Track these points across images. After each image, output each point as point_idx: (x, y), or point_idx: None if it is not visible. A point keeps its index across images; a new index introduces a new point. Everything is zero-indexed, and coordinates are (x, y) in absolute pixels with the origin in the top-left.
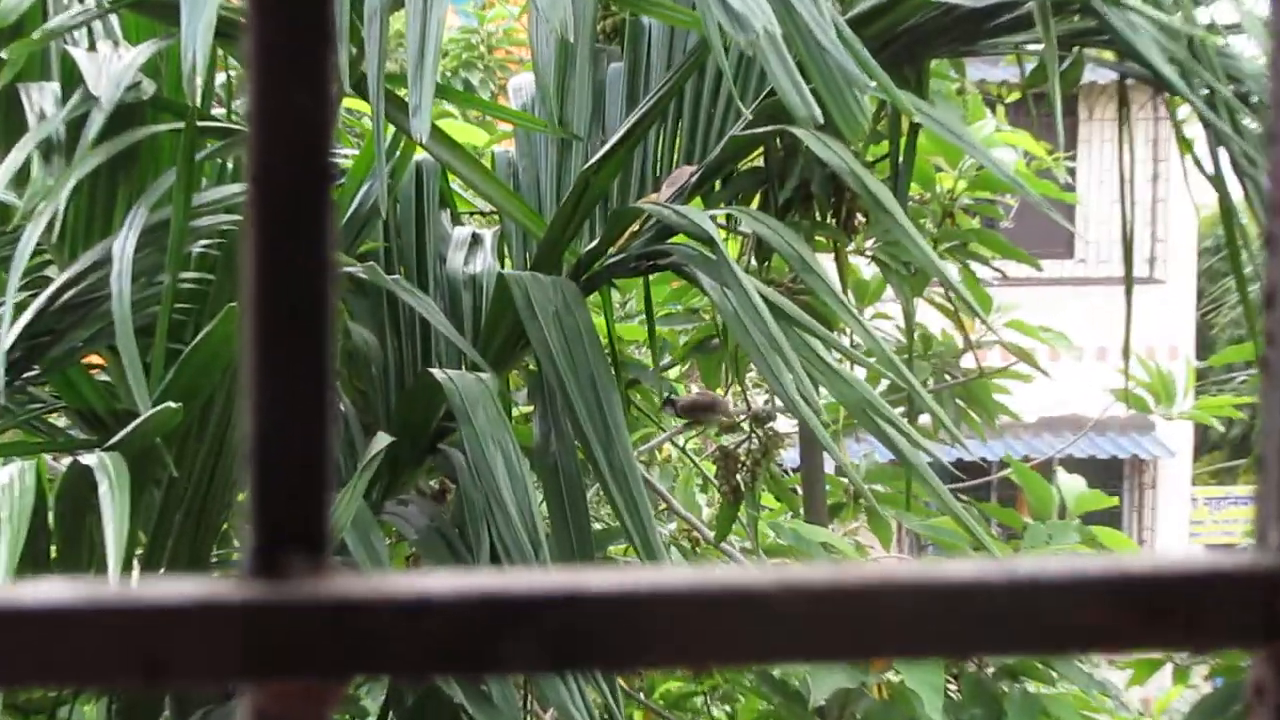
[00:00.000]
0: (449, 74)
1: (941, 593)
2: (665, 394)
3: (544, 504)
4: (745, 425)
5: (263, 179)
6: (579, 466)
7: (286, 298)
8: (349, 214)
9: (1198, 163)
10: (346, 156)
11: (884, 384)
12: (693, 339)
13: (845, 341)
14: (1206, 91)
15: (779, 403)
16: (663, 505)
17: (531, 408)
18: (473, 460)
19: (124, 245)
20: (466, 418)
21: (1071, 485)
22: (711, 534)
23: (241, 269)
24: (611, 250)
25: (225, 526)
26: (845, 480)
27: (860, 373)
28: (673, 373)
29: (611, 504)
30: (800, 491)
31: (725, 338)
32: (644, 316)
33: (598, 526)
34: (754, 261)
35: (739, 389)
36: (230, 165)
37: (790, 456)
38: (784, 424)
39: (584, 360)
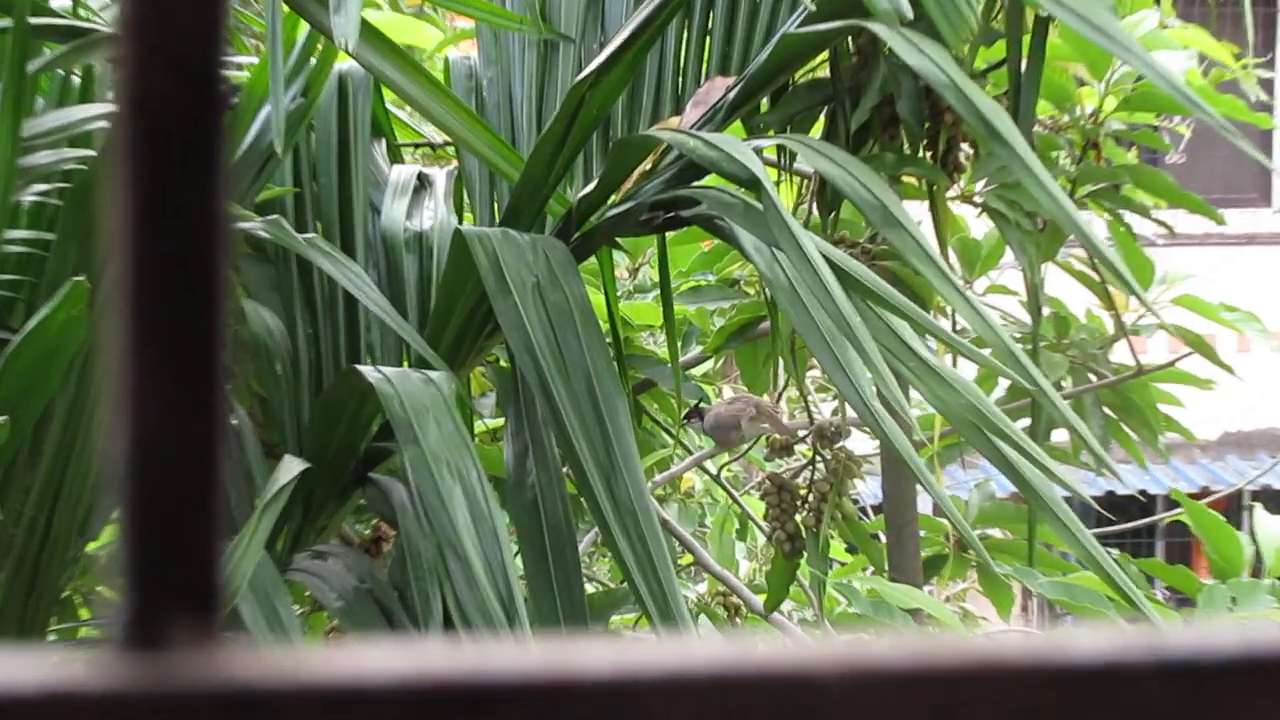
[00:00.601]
0: None
1: (1069, 680)
2: (693, 402)
3: (519, 555)
4: (805, 445)
5: (138, 104)
6: (569, 503)
7: (169, 266)
8: (243, 149)
9: None
10: (241, 68)
11: (1001, 387)
12: (731, 323)
13: (945, 326)
14: None
15: (852, 413)
16: (687, 558)
17: (502, 421)
18: (419, 495)
19: None
20: (411, 435)
21: (1271, 530)
22: (759, 600)
23: (100, 227)
24: (615, 198)
25: (69, 589)
26: (946, 522)
27: (968, 370)
28: (701, 370)
29: (615, 555)
30: (884, 539)
31: (776, 320)
32: (660, 291)
33: (593, 589)
34: (816, 212)
35: (796, 394)
36: (78, 79)
37: (869, 489)
38: (860, 443)
39: (576, 353)
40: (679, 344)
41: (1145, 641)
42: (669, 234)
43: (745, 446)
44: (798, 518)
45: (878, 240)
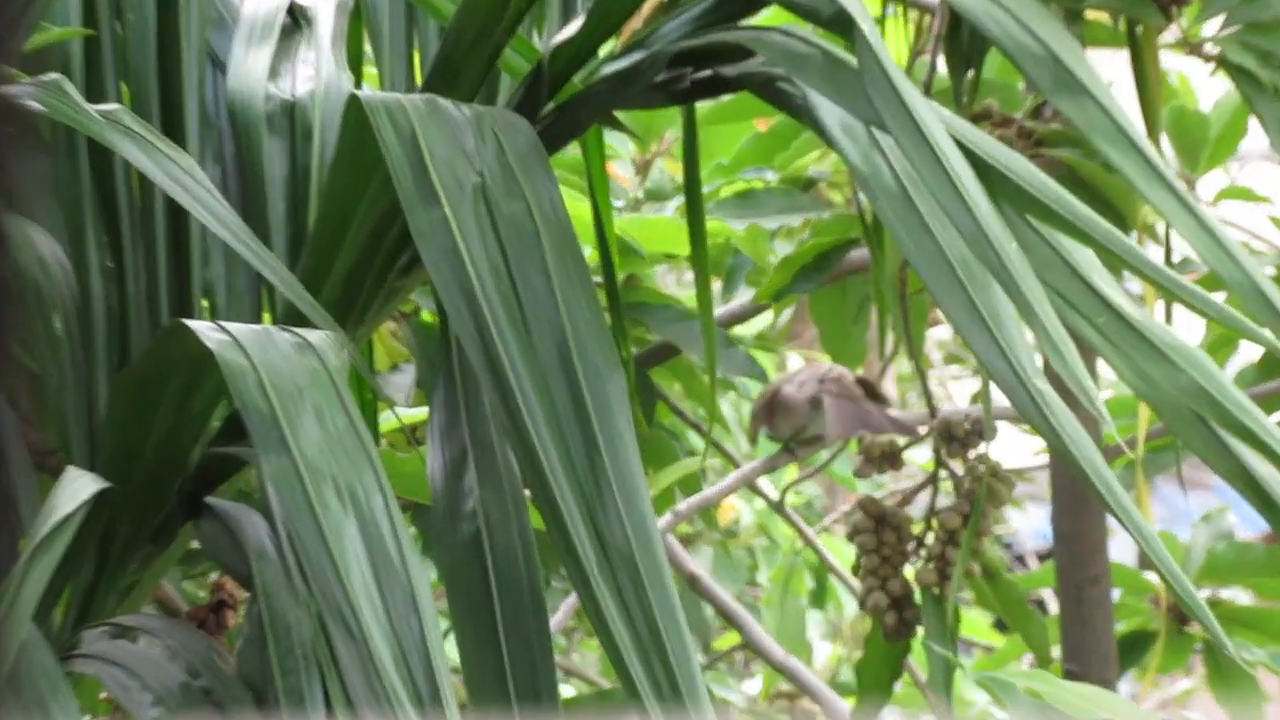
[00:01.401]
0: None
1: None
2: (747, 382)
3: (451, 633)
4: (922, 452)
5: None
6: (533, 546)
7: None
8: None
9: None
10: None
11: (1246, 355)
12: (803, 251)
13: (1155, 256)
14: None
15: (1001, 399)
16: (729, 636)
17: (424, 412)
18: (288, 533)
19: None
20: (275, 436)
21: None
22: (845, 705)
23: None
24: (613, 45)
25: None
26: (1156, 578)
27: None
28: (755, 327)
29: (600, 633)
30: (1053, 606)
31: (878, 248)
32: (686, 200)
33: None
34: (945, 70)
35: (909, 368)
36: None
37: (1030, 525)
38: (1013, 449)
39: (544, 301)
40: (718, 286)
41: None
42: (702, 105)
43: (825, 453)
44: (909, 571)
45: (1044, 115)
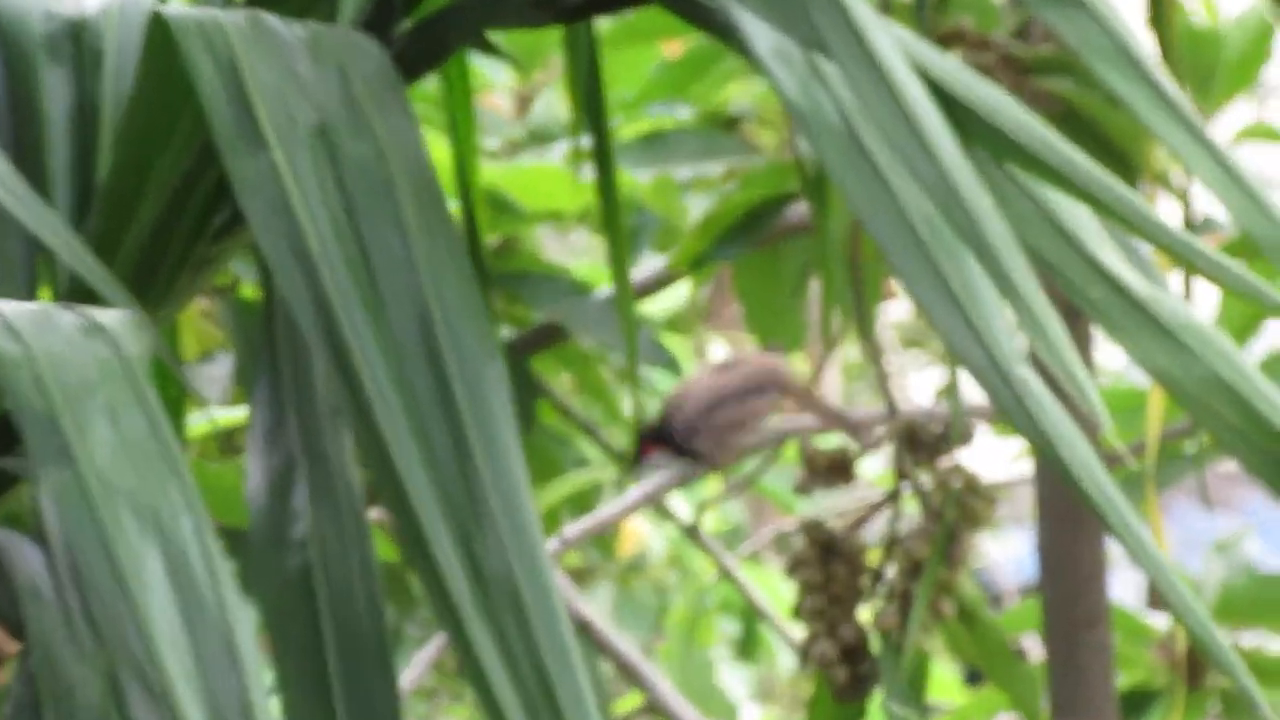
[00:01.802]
0: None
1: None
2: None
3: (278, 691)
4: (878, 462)
5: None
6: (378, 581)
7: None
8: None
9: None
10: None
11: (1270, 333)
12: (726, 208)
13: (1170, 214)
14: None
15: (975, 394)
16: (631, 699)
17: (244, 413)
18: (70, 566)
19: None
20: (55, 443)
21: None
22: None
23: None
24: None
25: None
26: (1159, 623)
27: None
28: (664, 306)
29: (476, 688)
30: (1038, 654)
31: (819, 202)
32: (579, 143)
33: None
34: None
35: (860, 356)
36: None
37: (1009, 553)
38: (989, 458)
39: (401, 269)
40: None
41: None
42: (596, 23)
43: (752, 463)
44: (862, 613)
45: (1031, 36)
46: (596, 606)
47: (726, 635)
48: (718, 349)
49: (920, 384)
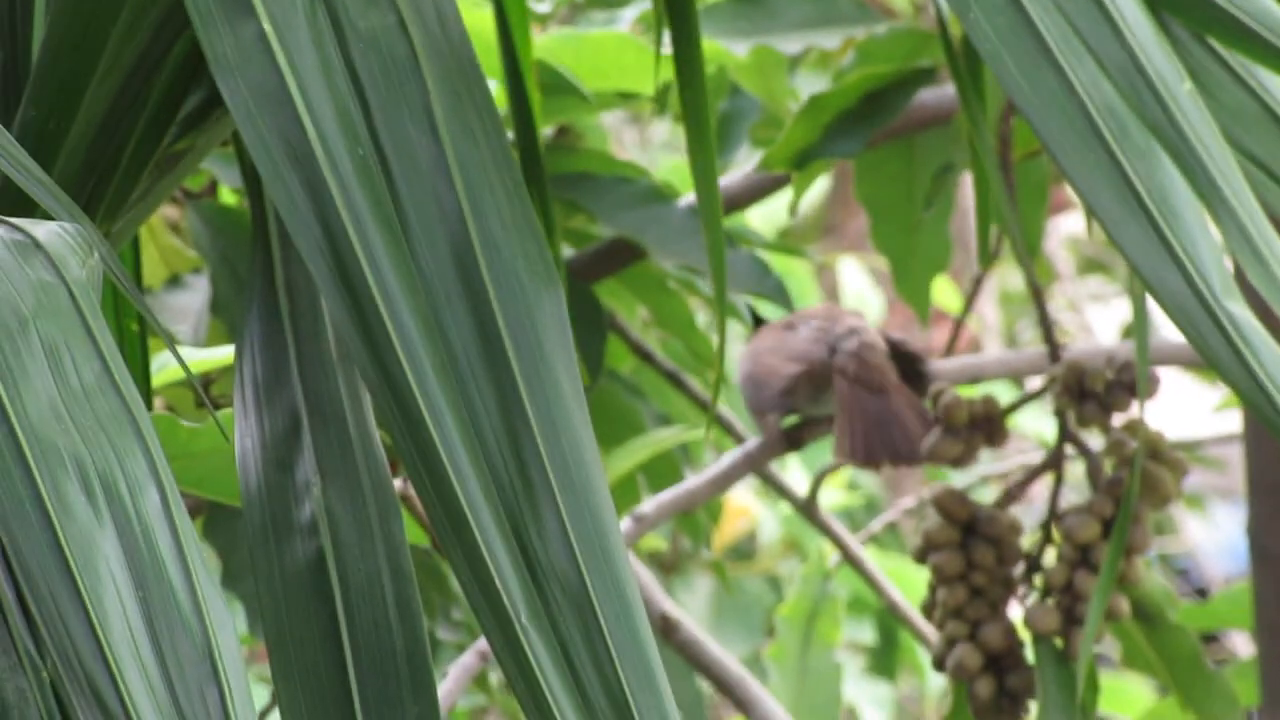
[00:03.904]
0: None
1: None
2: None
3: (274, 712)
4: (1044, 421)
5: None
6: (411, 573)
7: None
8: None
9: None
10: None
11: None
12: (843, 88)
13: None
14: None
15: (1168, 333)
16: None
17: (228, 358)
18: (7, 548)
19: None
20: None
21: None
22: None
23: None
24: None
25: None
26: None
27: None
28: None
29: (529, 712)
30: (1258, 663)
31: (968, 83)
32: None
33: None
34: None
35: (1021, 280)
36: None
37: (1217, 534)
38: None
39: (431, 173)
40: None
41: None
42: None
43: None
44: (1015, 610)
45: None
46: (690, 604)
47: (861, 643)
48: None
49: (1099, 320)
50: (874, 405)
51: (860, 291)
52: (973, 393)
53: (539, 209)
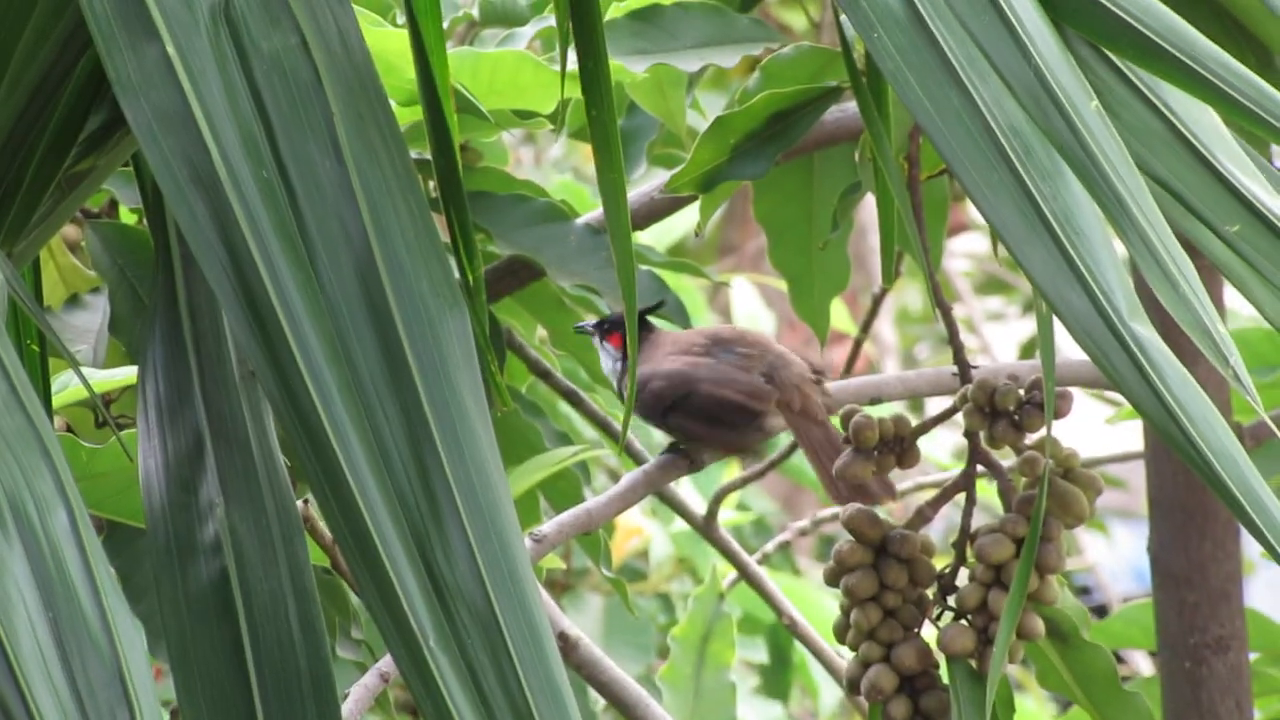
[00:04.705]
0: None
1: None
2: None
3: None
4: (943, 441)
5: None
6: (314, 594)
7: None
8: None
9: None
10: None
11: None
12: (746, 110)
13: None
14: None
15: (1070, 351)
16: None
17: (131, 374)
18: None
19: None
20: None
21: None
22: None
23: None
24: None
25: None
26: None
27: None
28: (665, 235)
29: (429, 715)
30: (1161, 689)
31: (871, 103)
32: (556, 23)
33: None
34: None
35: (922, 299)
36: None
37: (1119, 554)
38: (1091, 430)
39: (334, 193)
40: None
41: None
42: None
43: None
44: (927, 631)
45: None
46: (581, 624)
47: (753, 662)
48: (738, 292)
49: (1000, 339)
50: (819, 435)
51: (752, 312)
52: (882, 413)
53: (459, 230)
